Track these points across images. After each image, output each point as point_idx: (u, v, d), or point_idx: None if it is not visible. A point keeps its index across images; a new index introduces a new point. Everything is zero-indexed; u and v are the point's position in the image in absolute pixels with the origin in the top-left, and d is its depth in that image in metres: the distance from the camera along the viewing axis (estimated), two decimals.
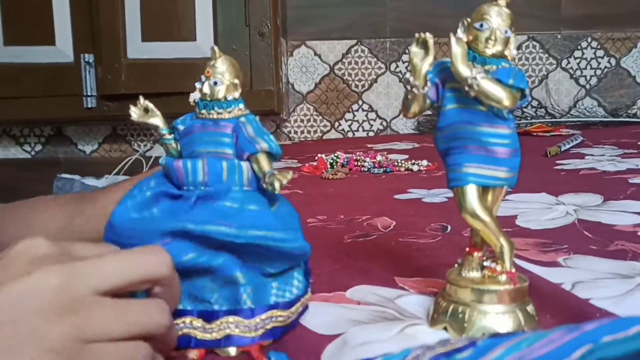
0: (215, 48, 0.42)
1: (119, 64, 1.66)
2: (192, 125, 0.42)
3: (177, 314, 0.39)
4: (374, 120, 1.82)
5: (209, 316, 0.39)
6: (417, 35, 0.41)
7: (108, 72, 1.67)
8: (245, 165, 0.40)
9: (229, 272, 0.40)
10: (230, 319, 0.39)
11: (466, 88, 0.39)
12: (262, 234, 0.39)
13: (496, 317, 0.40)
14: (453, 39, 0.40)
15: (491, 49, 0.41)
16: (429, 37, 0.41)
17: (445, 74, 0.42)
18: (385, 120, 1.81)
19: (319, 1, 1.78)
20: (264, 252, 0.40)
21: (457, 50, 0.40)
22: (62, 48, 1.71)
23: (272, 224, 0.39)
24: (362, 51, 1.79)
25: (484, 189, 0.42)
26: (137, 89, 0.43)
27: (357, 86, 1.81)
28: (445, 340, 0.29)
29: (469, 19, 0.42)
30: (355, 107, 1.81)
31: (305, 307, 0.44)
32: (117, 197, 0.56)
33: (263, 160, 0.40)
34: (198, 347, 0.39)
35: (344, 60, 1.79)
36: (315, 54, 1.79)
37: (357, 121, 1.82)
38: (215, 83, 0.41)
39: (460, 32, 0.42)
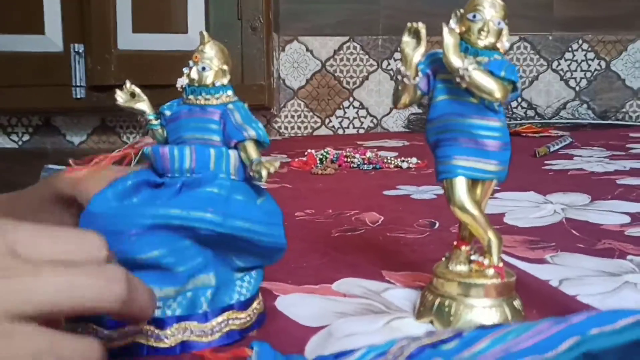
0: (204, 33, 0.41)
1: (109, 54, 1.64)
2: (179, 111, 0.41)
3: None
4: (365, 117, 1.81)
5: (161, 323, 0.37)
6: (409, 24, 0.41)
7: (98, 63, 1.65)
8: (233, 153, 0.39)
9: (202, 272, 0.38)
10: (184, 324, 0.38)
11: (457, 79, 0.39)
12: (247, 226, 0.38)
13: (482, 311, 0.40)
14: (445, 29, 0.39)
15: (483, 41, 0.40)
16: (421, 26, 0.40)
17: (436, 64, 0.41)
18: (376, 118, 1.81)
19: None
20: (244, 245, 0.39)
21: (449, 41, 0.39)
22: (52, 37, 1.69)
23: (257, 216, 0.39)
24: (354, 48, 1.78)
25: (473, 182, 0.41)
26: (129, 79, 0.43)
27: (348, 83, 1.80)
28: (431, 331, 0.29)
29: (461, 10, 0.41)
30: (346, 104, 1.81)
31: (264, 316, 0.42)
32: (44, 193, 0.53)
33: (250, 148, 0.40)
34: (150, 356, 0.37)
35: (335, 56, 1.79)
36: (307, 49, 1.79)
37: (348, 118, 1.81)
38: (204, 68, 0.40)
39: (452, 23, 0.41)
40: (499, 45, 0.41)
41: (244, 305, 0.40)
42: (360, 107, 1.81)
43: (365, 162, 1.17)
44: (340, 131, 1.82)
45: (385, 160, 1.16)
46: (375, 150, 1.29)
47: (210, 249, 0.39)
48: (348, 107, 1.81)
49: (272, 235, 0.39)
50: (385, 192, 0.91)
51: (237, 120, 0.40)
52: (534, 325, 0.26)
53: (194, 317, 0.38)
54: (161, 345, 0.37)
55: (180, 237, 0.37)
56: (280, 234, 0.40)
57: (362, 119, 1.81)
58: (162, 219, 0.36)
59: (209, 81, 0.40)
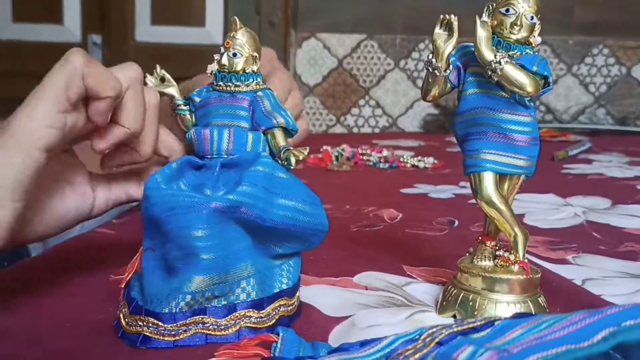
0: (237, 19, 0.41)
1: (127, 46, 1.65)
2: (209, 97, 0.41)
3: (174, 318, 0.37)
4: (380, 116, 1.81)
5: (218, 312, 0.38)
6: (441, 16, 0.41)
7: (115, 54, 1.66)
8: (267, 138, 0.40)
9: (240, 261, 0.38)
10: (244, 312, 0.38)
11: (489, 72, 0.39)
12: (291, 204, 0.38)
13: (507, 307, 0.40)
14: (478, 22, 0.39)
15: (516, 35, 0.40)
16: (453, 19, 0.40)
17: (467, 57, 0.41)
18: (392, 117, 1.81)
19: None
20: (286, 227, 0.38)
21: (482, 34, 0.39)
22: (70, 27, 1.71)
23: (301, 194, 0.38)
24: (372, 46, 1.78)
25: (500, 177, 0.41)
26: (144, 73, 0.43)
27: (364, 81, 1.80)
28: (462, 319, 0.28)
29: (494, 4, 0.41)
30: (362, 102, 1.80)
31: (302, 304, 0.42)
32: None
33: (279, 135, 0.40)
34: (211, 344, 0.37)
35: (352, 54, 1.78)
36: (325, 46, 1.78)
37: (363, 117, 1.81)
38: (235, 55, 0.40)
39: (485, 16, 0.41)
40: (531, 40, 0.41)
41: (291, 292, 0.40)
42: (376, 106, 1.81)
43: (382, 160, 1.16)
44: (355, 129, 1.82)
45: (402, 160, 1.16)
46: (391, 149, 1.29)
47: (251, 237, 0.38)
48: (364, 106, 1.81)
49: (315, 215, 0.39)
50: (403, 190, 0.91)
51: (267, 107, 0.40)
52: (568, 316, 0.26)
53: (250, 304, 0.38)
54: (221, 333, 0.37)
55: (227, 221, 0.37)
56: (322, 214, 0.40)
57: (377, 118, 1.81)
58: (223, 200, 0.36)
59: (239, 67, 0.40)
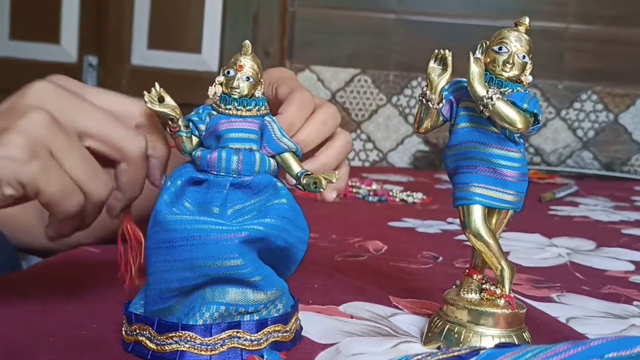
0: (249, 43, 0.41)
1: (122, 68, 1.66)
2: (218, 120, 0.41)
3: (170, 328, 0.38)
4: (371, 150, 1.82)
5: (207, 331, 0.38)
6: (436, 51, 0.42)
7: (110, 76, 1.67)
8: (272, 160, 0.41)
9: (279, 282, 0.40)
10: (231, 332, 0.38)
11: (481, 107, 0.39)
12: (299, 234, 0.40)
13: (492, 340, 0.40)
14: (472, 58, 0.40)
15: (508, 73, 0.41)
16: (448, 54, 0.41)
17: (460, 92, 0.42)
18: (382, 152, 1.82)
19: (327, 28, 1.80)
20: (290, 254, 0.41)
21: (475, 70, 0.40)
22: (67, 47, 1.72)
23: (305, 223, 0.41)
24: (365, 81, 1.80)
25: (489, 211, 0.42)
26: (138, 96, 0.43)
27: (356, 115, 1.81)
28: (447, 348, 0.28)
29: (487, 42, 0.42)
30: (353, 135, 1.82)
31: (300, 334, 0.43)
32: None
33: (293, 159, 0.41)
34: None
35: (346, 88, 1.80)
36: (318, 79, 1.80)
37: (354, 150, 1.82)
38: (248, 78, 0.40)
39: (478, 53, 0.42)
40: (522, 78, 0.42)
41: (284, 319, 0.40)
42: (367, 140, 1.82)
43: (371, 193, 1.17)
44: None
45: (391, 194, 1.17)
46: (380, 182, 1.30)
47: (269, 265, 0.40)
48: (355, 140, 1.82)
49: (307, 242, 0.41)
50: (390, 223, 0.91)
51: (276, 132, 0.41)
52: (552, 347, 0.26)
53: (243, 324, 0.38)
54: (203, 353, 0.37)
55: (254, 250, 0.38)
56: (307, 239, 0.41)
57: (368, 152, 1.82)
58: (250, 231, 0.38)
59: (250, 91, 0.41)
